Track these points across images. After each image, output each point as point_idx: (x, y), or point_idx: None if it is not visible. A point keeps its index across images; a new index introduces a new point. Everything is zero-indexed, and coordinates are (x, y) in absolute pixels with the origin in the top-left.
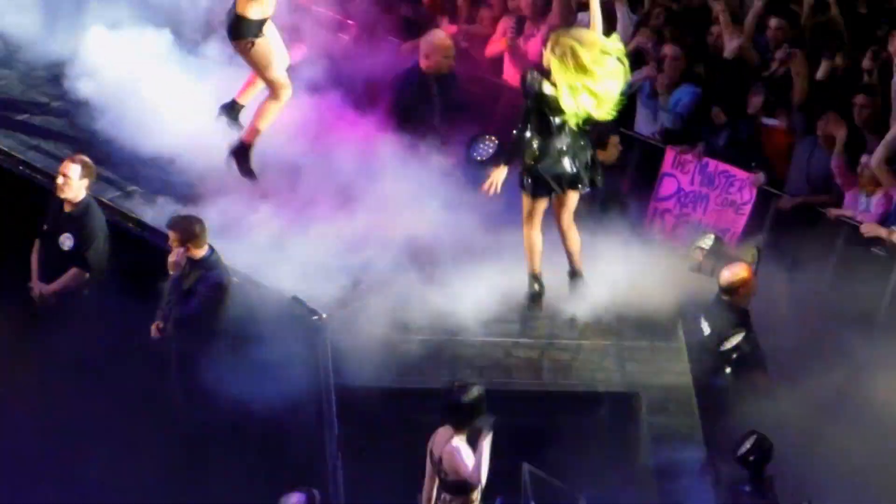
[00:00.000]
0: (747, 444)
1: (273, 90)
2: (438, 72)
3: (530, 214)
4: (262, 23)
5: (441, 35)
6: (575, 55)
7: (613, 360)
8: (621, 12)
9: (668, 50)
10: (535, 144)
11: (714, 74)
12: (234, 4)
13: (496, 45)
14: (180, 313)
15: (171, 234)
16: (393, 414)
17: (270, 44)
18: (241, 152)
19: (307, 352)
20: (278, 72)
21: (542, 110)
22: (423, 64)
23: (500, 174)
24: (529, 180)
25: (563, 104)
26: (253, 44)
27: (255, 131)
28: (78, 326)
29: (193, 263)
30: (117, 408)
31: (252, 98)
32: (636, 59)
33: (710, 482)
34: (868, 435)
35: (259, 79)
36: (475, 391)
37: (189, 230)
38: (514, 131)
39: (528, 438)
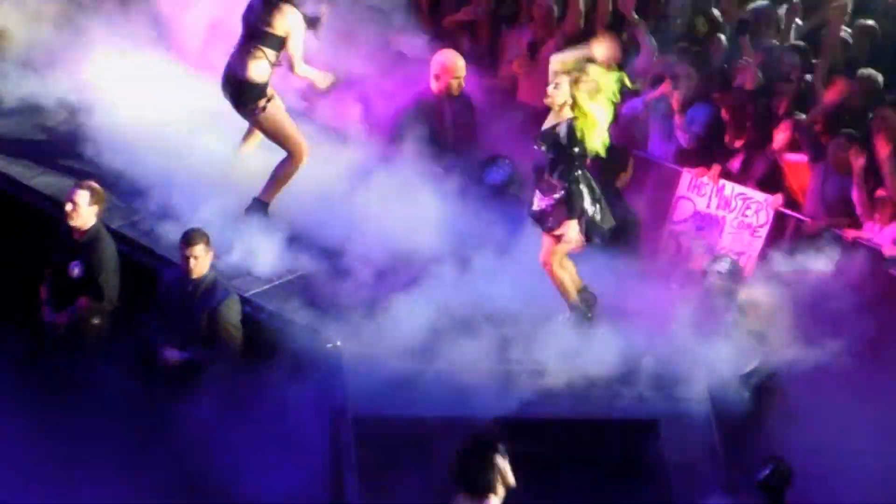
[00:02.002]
0: (766, 471)
1: (291, 152)
2: (450, 93)
3: (560, 256)
4: (266, 85)
5: (452, 56)
6: (599, 89)
7: (631, 388)
8: (644, 40)
9: (682, 69)
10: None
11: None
12: (234, 70)
13: (509, 65)
14: (207, 357)
15: (200, 245)
16: (409, 442)
17: (277, 104)
18: (259, 210)
19: (322, 380)
20: (293, 131)
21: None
22: (434, 85)
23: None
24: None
25: (591, 142)
26: (264, 108)
27: (273, 192)
28: (88, 355)
29: (194, 282)
30: (124, 434)
31: (254, 146)
32: (657, 79)
33: None
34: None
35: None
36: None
37: (209, 239)
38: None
39: (544, 468)
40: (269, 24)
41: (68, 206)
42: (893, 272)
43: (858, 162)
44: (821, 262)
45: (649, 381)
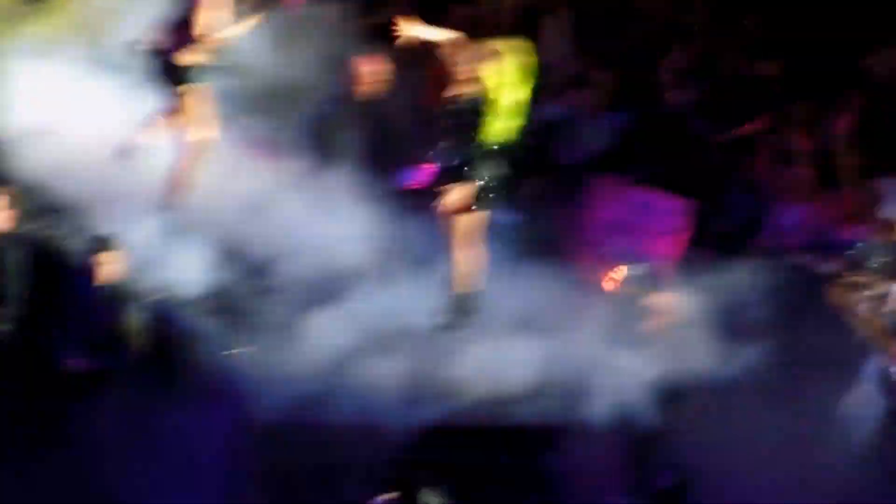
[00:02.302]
0: (667, 477)
1: (197, 145)
2: (364, 96)
3: (464, 232)
4: (198, 69)
5: (369, 60)
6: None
7: (534, 393)
8: (559, 39)
9: (597, 75)
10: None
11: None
12: (172, 51)
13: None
14: (113, 363)
15: (111, 251)
16: (313, 451)
17: (206, 93)
18: (171, 211)
19: (227, 388)
20: (212, 118)
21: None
22: (350, 88)
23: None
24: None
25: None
26: (194, 89)
27: (182, 189)
28: None
29: (104, 289)
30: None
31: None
32: (575, 84)
33: None
34: (791, 466)
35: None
36: None
37: (117, 247)
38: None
39: (448, 476)
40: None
41: None
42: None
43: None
44: (733, 269)
45: (556, 389)
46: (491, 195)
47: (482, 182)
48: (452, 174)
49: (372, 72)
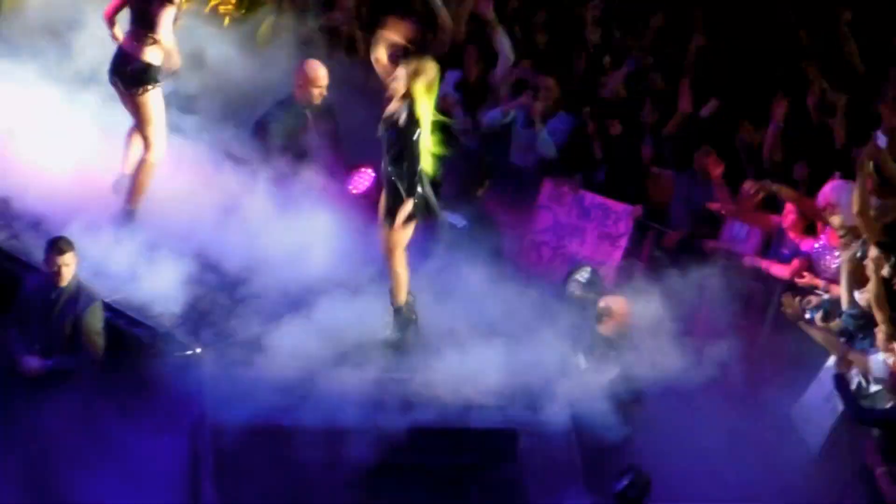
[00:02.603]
0: (625, 480)
1: (150, 147)
2: (310, 102)
3: (402, 244)
4: (159, 69)
5: (314, 66)
6: (433, 82)
7: (491, 397)
8: (501, 43)
9: (542, 80)
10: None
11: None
12: (135, 53)
13: None
14: (69, 364)
15: (70, 253)
16: (266, 451)
17: (160, 93)
18: (129, 217)
19: (182, 387)
20: (162, 124)
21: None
22: (296, 94)
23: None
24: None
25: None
26: (152, 89)
27: (137, 196)
28: None
29: (59, 289)
30: None
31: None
32: (518, 89)
33: None
34: (750, 471)
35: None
36: None
37: (75, 248)
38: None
39: (403, 476)
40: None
41: None
42: (753, 283)
43: (717, 170)
44: (680, 272)
45: (509, 391)
46: (422, 209)
47: (414, 196)
48: (388, 187)
49: (321, 76)
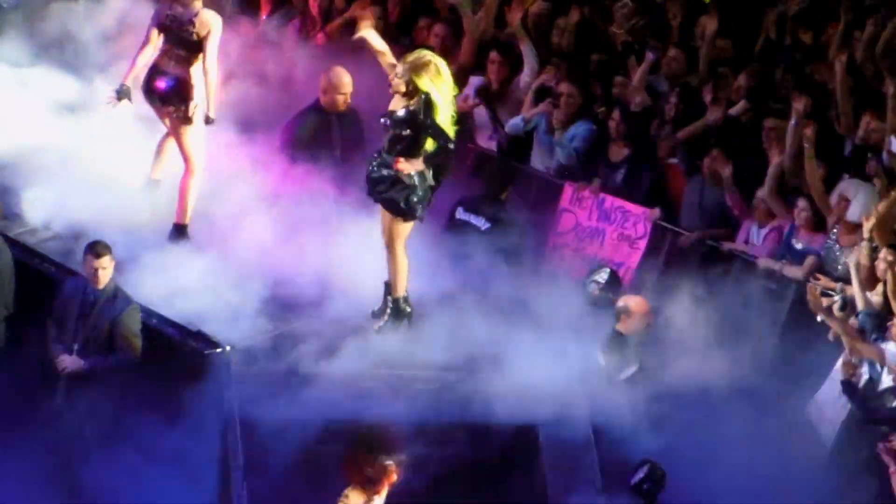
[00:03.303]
0: (640, 473)
1: (192, 162)
2: (335, 108)
3: (403, 236)
4: (193, 87)
5: (338, 72)
6: (440, 71)
7: (512, 394)
8: (526, 51)
9: (563, 87)
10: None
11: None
12: (167, 73)
13: None
14: (106, 365)
15: (107, 257)
16: (296, 445)
17: (200, 112)
18: (180, 233)
19: (212, 384)
20: (202, 142)
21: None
22: (322, 100)
23: None
24: (421, 204)
25: (446, 128)
26: (194, 109)
27: (185, 211)
28: None
29: (97, 292)
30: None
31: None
32: (541, 96)
33: None
34: (765, 466)
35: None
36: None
37: (111, 252)
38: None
39: (426, 470)
40: (193, 29)
41: None
42: (767, 284)
43: (727, 170)
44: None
45: (529, 388)
46: (422, 202)
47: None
48: (389, 181)
49: (345, 83)
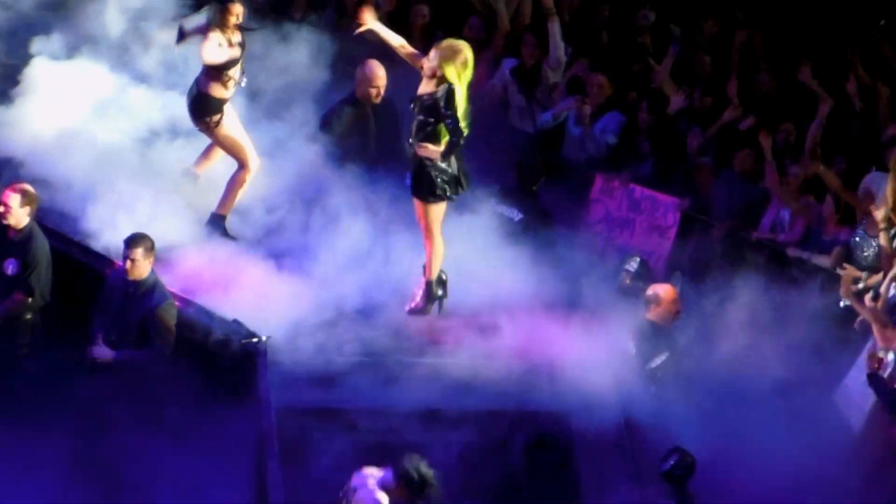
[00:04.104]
0: (671, 461)
1: (242, 162)
2: (370, 100)
3: (438, 219)
4: (223, 101)
5: (372, 65)
6: (467, 64)
7: (543, 380)
8: (553, 32)
9: (593, 78)
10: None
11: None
12: (197, 84)
13: None
14: (137, 357)
15: (141, 249)
16: (331, 432)
17: (232, 119)
18: (217, 223)
19: (247, 372)
20: (245, 143)
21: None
22: (357, 92)
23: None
24: (449, 184)
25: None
26: (218, 122)
27: (228, 204)
28: (20, 349)
29: (135, 284)
30: (56, 429)
31: (211, 166)
32: (573, 86)
33: (636, 497)
34: (793, 452)
35: (216, 151)
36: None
37: (153, 244)
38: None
39: (460, 457)
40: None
41: (0, 209)
42: (795, 273)
43: (766, 142)
44: (724, 260)
45: (561, 375)
46: (454, 184)
47: (444, 175)
48: (417, 166)
49: (379, 76)
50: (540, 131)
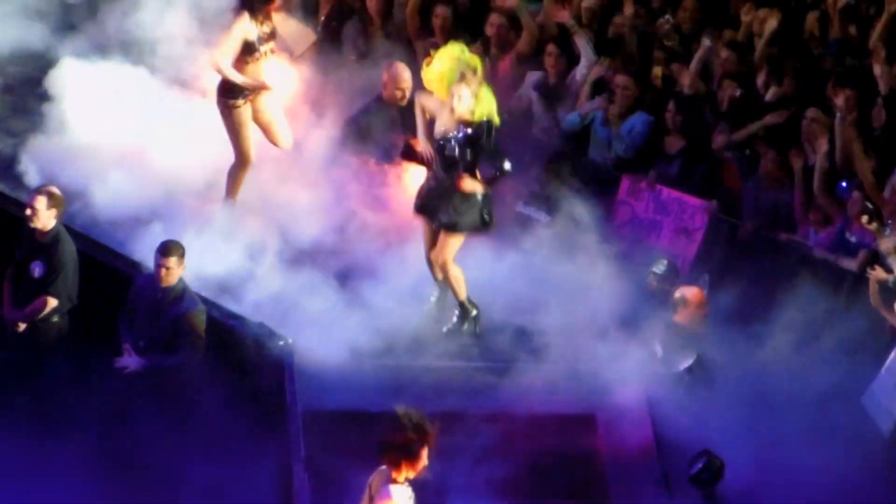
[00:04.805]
0: (699, 464)
1: (238, 157)
2: (396, 102)
3: (455, 251)
4: (245, 91)
5: (398, 68)
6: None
7: (569, 383)
8: (582, 46)
9: (619, 79)
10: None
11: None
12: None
13: None
14: (167, 364)
15: (174, 257)
16: (357, 436)
17: (246, 115)
18: (228, 205)
19: (273, 375)
20: (246, 140)
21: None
22: (383, 94)
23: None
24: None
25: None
26: (234, 107)
27: (234, 191)
28: (45, 351)
29: (165, 290)
30: (82, 432)
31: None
32: (598, 88)
33: (664, 501)
34: (818, 455)
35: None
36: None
37: (184, 251)
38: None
39: (485, 459)
40: None
41: (27, 211)
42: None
43: (798, 164)
44: (753, 263)
45: (588, 377)
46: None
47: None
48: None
49: (404, 78)
50: (567, 133)
